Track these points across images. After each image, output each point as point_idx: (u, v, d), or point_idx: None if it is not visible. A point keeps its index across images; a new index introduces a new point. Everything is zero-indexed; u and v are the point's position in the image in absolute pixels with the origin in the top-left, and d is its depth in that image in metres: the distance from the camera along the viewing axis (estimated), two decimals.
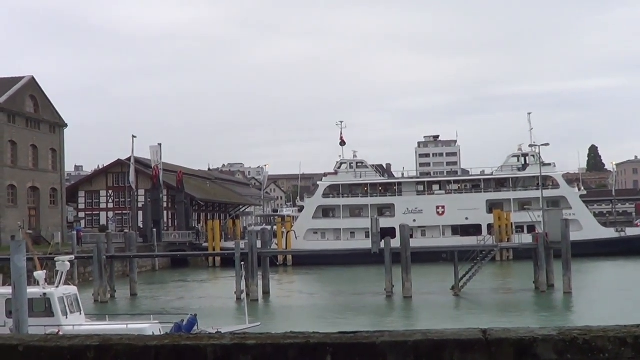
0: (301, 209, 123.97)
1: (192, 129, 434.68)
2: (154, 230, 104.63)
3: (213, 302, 65.85)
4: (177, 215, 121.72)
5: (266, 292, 69.94)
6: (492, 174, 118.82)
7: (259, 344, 4.60)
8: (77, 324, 37.06)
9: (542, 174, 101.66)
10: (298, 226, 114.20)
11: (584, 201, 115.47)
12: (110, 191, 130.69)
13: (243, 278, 62.71)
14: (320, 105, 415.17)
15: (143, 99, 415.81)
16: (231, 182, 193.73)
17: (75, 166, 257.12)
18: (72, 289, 40.10)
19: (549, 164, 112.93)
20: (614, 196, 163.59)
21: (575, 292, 64.20)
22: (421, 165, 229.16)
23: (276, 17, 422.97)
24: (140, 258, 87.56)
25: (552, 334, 4.49)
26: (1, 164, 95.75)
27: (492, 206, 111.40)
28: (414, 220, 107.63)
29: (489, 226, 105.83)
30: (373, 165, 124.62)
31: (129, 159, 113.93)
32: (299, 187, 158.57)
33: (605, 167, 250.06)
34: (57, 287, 38.57)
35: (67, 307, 37.99)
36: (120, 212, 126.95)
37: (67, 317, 37.50)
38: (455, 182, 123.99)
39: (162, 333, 24.86)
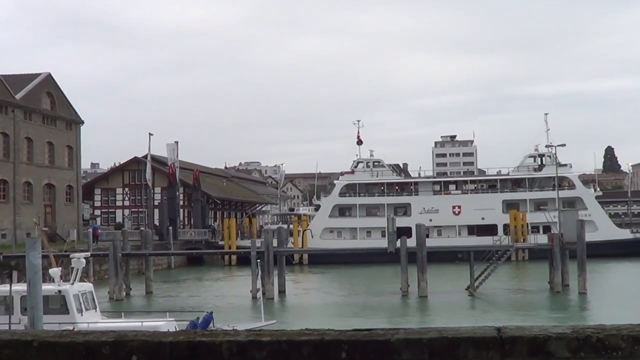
0: (317, 207, 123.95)
1: (209, 127, 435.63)
2: (170, 228, 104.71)
3: (229, 301, 65.94)
4: (193, 213, 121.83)
5: (282, 291, 69.98)
6: (508, 174, 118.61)
7: (274, 340, 4.62)
8: (93, 321, 37.13)
9: (558, 175, 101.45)
10: (314, 225, 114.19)
11: (599, 202, 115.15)
12: (127, 189, 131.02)
13: (259, 276, 62.75)
14: (337, 104, 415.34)
15: (160, 96, 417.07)
16: (248, 180, 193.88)
17: (92, 163, 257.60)
18: (88, 286, 40.19)
19: (565, 165, 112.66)
20: (629, 197, 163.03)
21: (590, 293, 64.12)
22: (438, 165, 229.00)
23: (295, 16, 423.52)
24: (156, 256, 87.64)
25: (566, 332, 4.50)
26: (17, 160, 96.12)
27: (508, 206, 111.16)
28: (430, 220, 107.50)
29: (505, 226, 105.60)
30: (390, 165, 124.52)
31: (145, 157, 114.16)
32: (316, 185, 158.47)
33: (621, 168, 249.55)
34: (73, 284, 38.65)
35: (82, 304, 38.06)
36: (136, 209, 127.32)
37: (82, 314, 37.57)
38: (472, 182, 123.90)
39: (177, 330, 24.90)
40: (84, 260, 40.81)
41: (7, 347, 4.82)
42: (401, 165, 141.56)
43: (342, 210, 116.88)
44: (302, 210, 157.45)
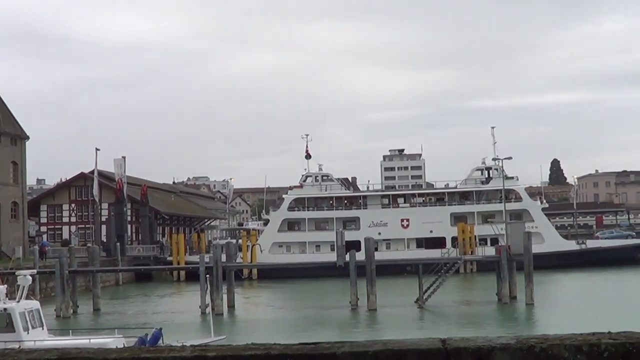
0: (266, 222, 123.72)
1: (157, 142, 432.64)
2: (118, 244, 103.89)
3: (178, 317, 65.60)
4: (141, 229, 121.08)
5: (231, 306, 69.69)
6: (456, 187, 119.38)
7: (219, 355, 4.61)
8: (39, 339, 36.73)
9: (505, 187, 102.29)
10: (263, 239, 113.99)
11: (546, 214, 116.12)
12: (73, 205, 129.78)
13: (208, 292, 62.47)
14: (286, 118, 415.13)
15: (107, 111, 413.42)
16: (196, 195, 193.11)
17: (37, 179, 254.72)
18: (34, 304, 39.74)
19: (512, 178, 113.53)
20: (575, 209, 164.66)
21: (537, 304, 64.66)
22: (386, 178, 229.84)
23: (243, 31, 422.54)
24: (104, 272, 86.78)
25: (510, 343, 4.54)
26: None
27: (456, 219, 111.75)
28: (379, 233, 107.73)
29: (453, 239, 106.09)
30: (338, 179, 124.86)
31: (92, 172, 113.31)
32: (265, 200, 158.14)
33: (567, 180, 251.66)
34: (19, 302, 38.22)
35: (28, 322, 37.63)
36: (83, 226, 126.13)
37: (28, 333, 37.15)
38: (420, 195, 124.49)
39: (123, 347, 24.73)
40: (30, 278, 40.38)
41: None
42: (350, 179, 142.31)
43: (291, 225, 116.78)
44: (251, 225, 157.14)
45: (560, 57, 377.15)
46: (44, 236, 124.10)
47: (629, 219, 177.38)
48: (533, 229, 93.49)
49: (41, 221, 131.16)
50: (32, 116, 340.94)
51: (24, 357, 4.80)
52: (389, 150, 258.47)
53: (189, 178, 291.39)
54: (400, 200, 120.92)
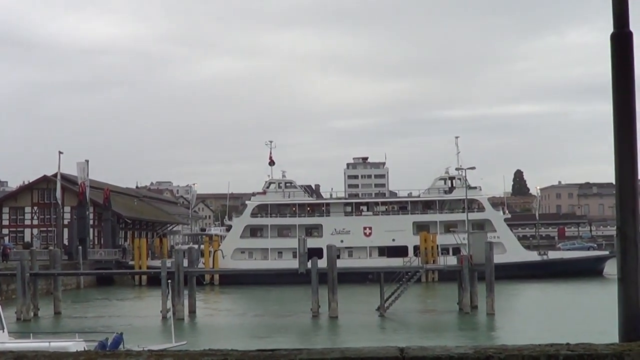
0: (229, 228, 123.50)
1: (121, 146, 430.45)
2: (80, 247, 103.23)
3: (139, 321, 65.29)
4: (104, 232, 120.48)
5: (192, 311, 69.52)
6: (419, 196, 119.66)
7: None
8: None
9: (468, 197, 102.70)
10: (225, 245, 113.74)
11: (508, 224, 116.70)
12: (35, 207, 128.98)
13: (169, 297, 62.24)
14: (250, 124, 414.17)
15: (71, 114, 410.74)
16: (159, 200, 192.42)
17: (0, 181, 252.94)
18: None
19: (475, 188, 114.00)
20: (537, 220, 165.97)
21: (498, 314, 64.97)
22: (350, 186, 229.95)
23: (209, 36, 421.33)
24: (65, 276, 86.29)
25: (468, 352, 4.54)
26: None
27: (418, 228, 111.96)
28: (342, 241, 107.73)
29: (415, 248, 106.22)
30: (302, 186, 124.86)
31: (55, 175, 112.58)
32: (228, 206, 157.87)
33: (530, 191, 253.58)
34: None
35: None
36: (45, 229, 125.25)
37: None
38: (383, 203, 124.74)
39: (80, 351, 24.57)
40: None
41: None
42: (313, 187, 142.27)
43: (254, 231, 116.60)
44: (214, 230, 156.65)
45: (526, 68, 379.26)
46: (6, 238, 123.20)
47: (590, 230, 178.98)
48: (495, 239, 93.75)
49: (3, 223, 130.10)
50: None
51: None
52: (353, 158, 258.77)
53: (152, 183, 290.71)
54: (363, 208, 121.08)
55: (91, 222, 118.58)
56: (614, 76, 6.64)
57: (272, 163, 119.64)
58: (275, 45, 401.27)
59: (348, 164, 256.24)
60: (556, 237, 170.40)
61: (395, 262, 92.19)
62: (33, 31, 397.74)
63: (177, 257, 72.35)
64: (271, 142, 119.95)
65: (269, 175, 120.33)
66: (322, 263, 70.63)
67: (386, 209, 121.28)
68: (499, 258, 78.74)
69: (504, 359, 4.51)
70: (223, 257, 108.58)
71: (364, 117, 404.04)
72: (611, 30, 6.82)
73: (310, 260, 70.96)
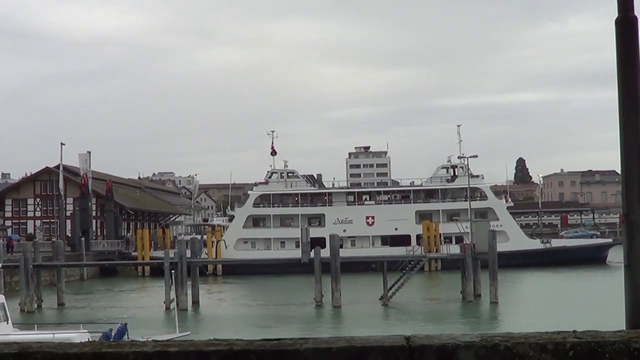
0: (231, 218, 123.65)
1: (123, 137, 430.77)
2: (82, 239, 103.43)
3: (142, 312, 65.39)
4: (106, 224, 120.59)
5: (195, 302, 69.65)
6: (421, 185, 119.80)
7: (181, 351, 4.56)
8: (3, 333, 36.45)
9: (470, 186, 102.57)
10: (228, 235, 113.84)
11: (511, 213, 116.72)
12: (38, 199, 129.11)
13: (172, 287, 62.34)
14: (252, 114, 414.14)
15: (73, 106, 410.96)
16: (161, 191, 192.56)
17: (2, 174, 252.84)
18: None
19: (477, 176, 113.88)
20: (540, 208, 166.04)
21: (501, 302, 65.02)
22: (352, 175, 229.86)
23: (211, 26, 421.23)
24: (68, 267, 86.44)
25: (475, 341, 4.51)
26: None
27: (421, 217, 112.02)
28: (344, 231, 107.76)
29: (418, 237, 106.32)
30: (304, 175, 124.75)
31: (57, 167, 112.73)
32: (230, 196, 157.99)
33: (532, 179, 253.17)
34: None
35: None
36: (48, 220, 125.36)
37: None
38: (385, 192, 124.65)
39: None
40: None
41: None
42: (315, 176, 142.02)
43: (256, 221, 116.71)
44: (216, 220, 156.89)
45: (527, 56, 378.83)
46: (9, 230, 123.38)
47: (593, 218, 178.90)
48: (498, 227, 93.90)
49: (6, 215, 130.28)
50: None
51: None
52: (355, 148, 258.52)
53: (154, 173, 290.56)
54: (366, 197, 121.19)
55: (94, 213, 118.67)
56: (619, 61, 6.61)
57: (274, 153, 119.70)
58: (276, 35, 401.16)
59: (350, 154, 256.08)
60: (559, 225, 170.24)
61: (398, 251, 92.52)
62: (33, 22, 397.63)
63: (180, 247, 72.50)
64: (273, 132, 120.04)
65: (271, 165, 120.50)
66: (325, 252, 70.75)
67: (388, 198, 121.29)
68: (501, 246, 78.84)
69: (511, 347, 4.49)
70: (226, 247, 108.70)
71: (366, 106, 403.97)
72: (614, 15, 6.78)
73: (312, 250, 71.06)
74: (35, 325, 44.08)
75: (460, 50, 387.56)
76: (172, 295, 60.96)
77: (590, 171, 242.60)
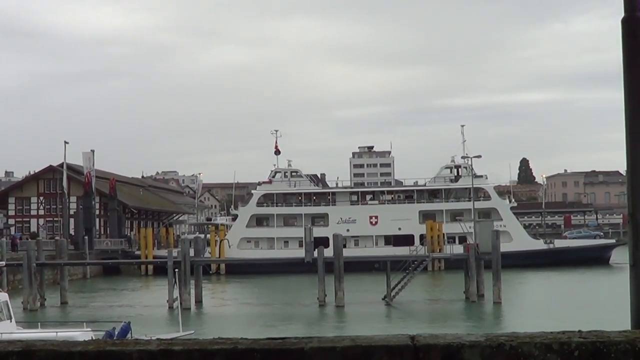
0: (235, 217, 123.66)
1: (126, 136, 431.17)
2: (86, 237, 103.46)
3: (145, 311, 65.46)
4: (110, 222, 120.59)
5: (199, 301, 69.66)
6: (425, 185, 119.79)
7: (185, 349, 4.55)
8: (7, 331, 36.47)
9: (474, 186, 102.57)
10: (231, 235, 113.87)
11: (514, 213, 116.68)
12: (41, 198, 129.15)
13: (176, 286, 62.34)
14: (256, 114, 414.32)
15: (76, 104, 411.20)
16: (165, 189, 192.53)
17: (6, 172, 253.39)
18: (3, 296, 39.56)
19: (481, 176, 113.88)
20: (543, 209, 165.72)
21: (505, 302, 64.98)
22: (355, 175, 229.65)
23: (215, 25, 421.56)
24: (71, 266, 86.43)
25: (480, 340, 4.50)
26: None
27: (424, 217, 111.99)
28: (348, 230, 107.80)
29: (422, 236, 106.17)
30: (307, 175, 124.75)
31: (60, 166, 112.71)
32: (233, 195, 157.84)
33: (536, 180, 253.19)
34: None
35: None
36: (51, 219, 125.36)
37: None
38: (389, 192, 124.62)
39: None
40: None
41: None
42: (319, 176, 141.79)
43: (260, 220, 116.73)
44: (220, 220, 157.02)
45: (531, 56, 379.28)
46: (12, 229, 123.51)
47: (597, 219, 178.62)
48: (501, 227, 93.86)
49: (9, 213, 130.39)
50: (0, 108, 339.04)
51: None
52: (358, 147, 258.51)
53: (157, 172, 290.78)
54: (369, 197, 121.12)
55: (97, 212, 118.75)
56: (625, 61, 6.59)
57: (277, 152, 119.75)
58: (280, 34, 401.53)
59: (354, 153, 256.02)
60: (562, 226, 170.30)
61: (402, 251, 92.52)
62: (37, 21, 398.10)
63: (184, 246, 72.50)
64: (277, 131, 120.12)
65: (274, 165, 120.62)
66: (328, 252, 70.72)
67: (392, 198, 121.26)
68: (505, 247, 78.79)
69: (516, 346, 4.48)
70: (229, 246, 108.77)
71: (370, 106, 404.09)
72: (619, 15, 6.76)
73: (316, 250, 71.06)
74: (39, 324, 44.09)
75: (465, 50, 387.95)
76: (176, 294, 61.04)
77: (593, 172, 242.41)
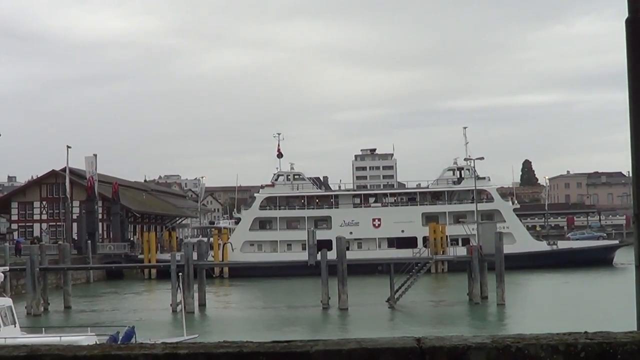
0: (238, 220, 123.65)
1: (129, 140, 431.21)
2: (89, 242, 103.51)
3: (149, 315, 65.39)
4: (113, 227, 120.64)
5: (202, 304, 69.68)
6: (427, 187, 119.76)
7: (191, 353, 4.54)
8: (11, 336, 36.46)
9: (477, 188, 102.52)
10: (235, 238, 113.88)
11: (517, 215, 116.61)
12: (44, 202, 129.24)
13: (179, 290, 62.34)
14: (258, 117, 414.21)
15: (79, 108, 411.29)
16: (167, 193, 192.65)
17: (8, 176, 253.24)
18: (7, 301, 39.52)
19: (484, 178, 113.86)
20: (546, 210, 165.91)
21: (508, 304, 64.94)
22: (358, 178, 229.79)
23: (215, 29, 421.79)
24: (75, 270, 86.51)
25: (486, 342, 4.50)
26: None
27: (427, 219, 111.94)
28: (351, 233, 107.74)
29: (425, 239, 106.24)
30: (310, 178, 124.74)
31: (63, 170, 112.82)
32: (236, 199, 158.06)
33: (538, 181, 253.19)
34: None
35: (0, 320, 37.39)
36: (54, 223, 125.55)
37: (0, 330, 36.90)
38: (392, 195, 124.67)
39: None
40: (1, 275, 40.16)
41: None
42: (321, 179, 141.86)
43: (263, 223, 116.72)
44: (223, 223, 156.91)
45: (533, 58, 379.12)
46: (15, 233, 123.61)
47: (599, 220, 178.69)
48: (504, 229, 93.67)
49: (12, 218, 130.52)
50: (2, 113, 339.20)
51: None
52: (361, 150, 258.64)
53: (160, 176, 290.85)
54: (372, 199, 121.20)
55: (100, 216, 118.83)
56: (630, 62, 6.58)
57: (280, 155, 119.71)
58: (282, 37, 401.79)
59: (356, 156, 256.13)
60: (565, 227, 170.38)
61: (405, 253, 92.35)
62: (38, 25, 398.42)
63: (187, 250, 72.53)
64: (279, 134, 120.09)
65: (277, 168, 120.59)
66: (332, 255, 70.72)
67: (395, 200, 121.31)
68: (508, 248, 78.54)
69: (522, 348, 4.47)
70: (232, 249, 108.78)
71: (372, 109, 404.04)
72: (621, 16, 6.75)
73: (319, 252, 71.05)
74: (43, 329, 44.06)
75: (467, 52, 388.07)
76: (179, 298, 61.00)
77: (596, 173, 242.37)
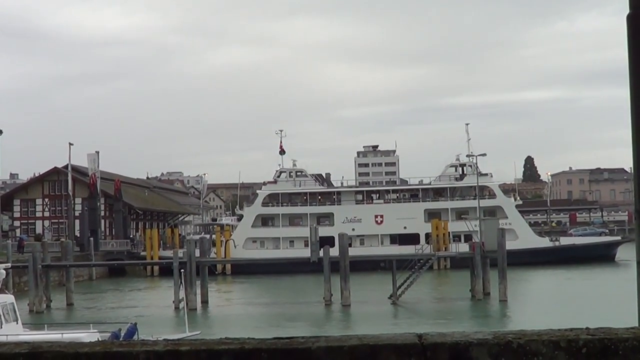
0: (240, 217, 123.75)
1: (131, 137, 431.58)
2: (91, 239, 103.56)
3: (151, 311, 65.47)
4: (115, 224, 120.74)
5: (205, 301, 69.63)
6: (430, 184, 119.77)
7: (193, 350, 4.54)
8: (14, 333, 36.46)
9: (479, 184, 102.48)
10: (237, 235, 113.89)
11: (519, 211, 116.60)
12: (47, 199, 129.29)
13: (181, 287, 62.36)
14: (260, 113, 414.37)
15: (81, 106, 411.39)
16: (170, 190, 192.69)
17: (11, 174, 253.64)
18: (9, 298, 39.51)
19: (486, 174, 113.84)
20: (548, 206, 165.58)
21: (511, 300, 64.96)
22: (360, 174, 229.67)
23: (218, 26, 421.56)
24: (77, 267, 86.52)
25: (487, 338, 4.49)
26: None
27: (429, 215, 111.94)
28: (353, 229, 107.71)
29: (427, 235, 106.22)
30: (312, 175, 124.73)
31: (65, 167, 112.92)
32: (239, 195, 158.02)
33: (541, 177, 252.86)
34: None
35: (2, 317, 37.40)
36: (56, 220, 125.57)
37: (2, 327, 36.92)
38: (394, 191, 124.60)
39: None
40: (4, 272, 40.16)
41: None
42: (324, 175, 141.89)
43: (265, 220, 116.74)
44: (225, 220, 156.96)
45: (536, 54, 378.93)
46: (17, 230, 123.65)
47: (602, 216, 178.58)
48: (507, 225, 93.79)
49: (14, 215, 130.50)
50: (5, 110, 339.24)
51: None
52: (363, 147, 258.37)
53: (162, 173, 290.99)
54: (374, 196, 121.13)
55: (102, 213, 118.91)
56: (631, 58, 6.56)
57: (282, 152, 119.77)
58: (285, 34, 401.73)
59: (358, 152, 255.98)
60: (568, 223, 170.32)
61: (407, 249, 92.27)
62: (41, 23, 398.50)
63: (189, 247, 72.51)
64: (281, 131, 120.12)
65: (279, 165, 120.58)
66: (334, 251, 70.71)
67: (397, 197, 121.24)
68: (510, 245, 78.67)
69: (524, 344, 4.46)
70: (235, 246, 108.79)
71: (374, 105, 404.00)
72: (623, 13, 6.73)
73: (322, 249, 71.05)
74: (45, 326, 44.09)
75: (469, 49, 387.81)
76: (181, 294, 60.97)
77: (598, 169, 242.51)
